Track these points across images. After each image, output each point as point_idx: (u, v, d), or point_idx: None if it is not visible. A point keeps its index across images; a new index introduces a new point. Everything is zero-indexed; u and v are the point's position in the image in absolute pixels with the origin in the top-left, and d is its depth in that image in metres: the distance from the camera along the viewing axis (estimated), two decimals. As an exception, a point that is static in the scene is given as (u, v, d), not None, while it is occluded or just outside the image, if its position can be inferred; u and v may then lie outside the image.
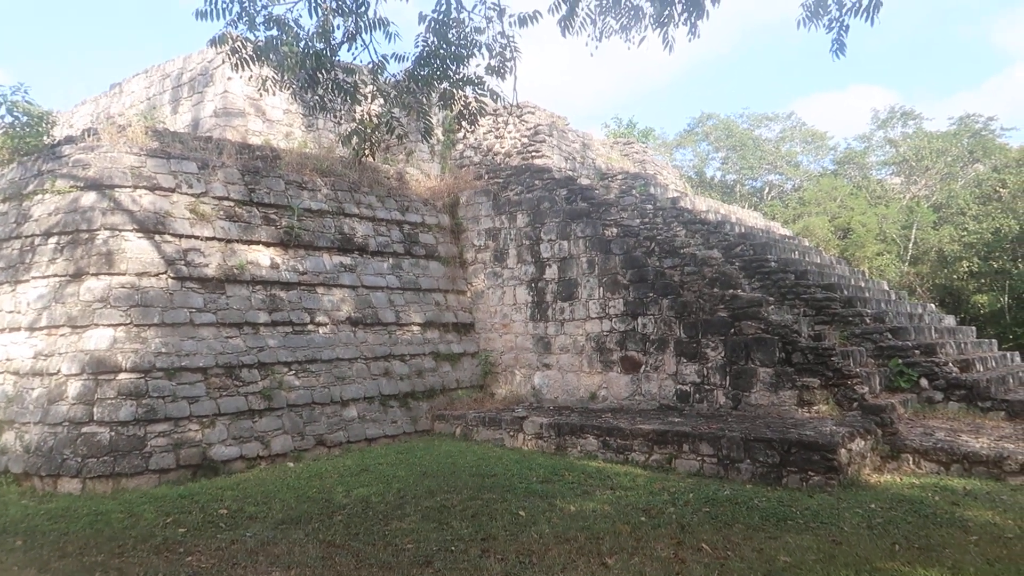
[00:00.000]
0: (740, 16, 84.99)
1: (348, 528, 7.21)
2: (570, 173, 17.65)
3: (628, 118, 47.33)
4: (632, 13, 8.07)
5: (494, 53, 8.68)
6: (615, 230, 13.76)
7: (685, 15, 7.58)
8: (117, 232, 10.55)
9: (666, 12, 7.69)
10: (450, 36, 8.41)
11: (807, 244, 20.82)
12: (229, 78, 15.82)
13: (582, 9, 8.13)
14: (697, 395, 11.80)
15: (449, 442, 12.17)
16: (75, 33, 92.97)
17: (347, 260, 13.38)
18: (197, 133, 15.07)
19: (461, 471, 9.65)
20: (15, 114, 12.52)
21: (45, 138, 12.57)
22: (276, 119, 16.74)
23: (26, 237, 10.97)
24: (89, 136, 11.64)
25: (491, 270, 15.04)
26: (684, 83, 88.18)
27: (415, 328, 13.88)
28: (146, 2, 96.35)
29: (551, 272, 14.04)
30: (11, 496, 8.95)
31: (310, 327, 12.20)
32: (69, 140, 11.80)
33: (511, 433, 11.84)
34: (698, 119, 46.68)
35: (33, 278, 10.57)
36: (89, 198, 10.69)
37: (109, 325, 10.01)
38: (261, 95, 14.71)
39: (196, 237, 11.29)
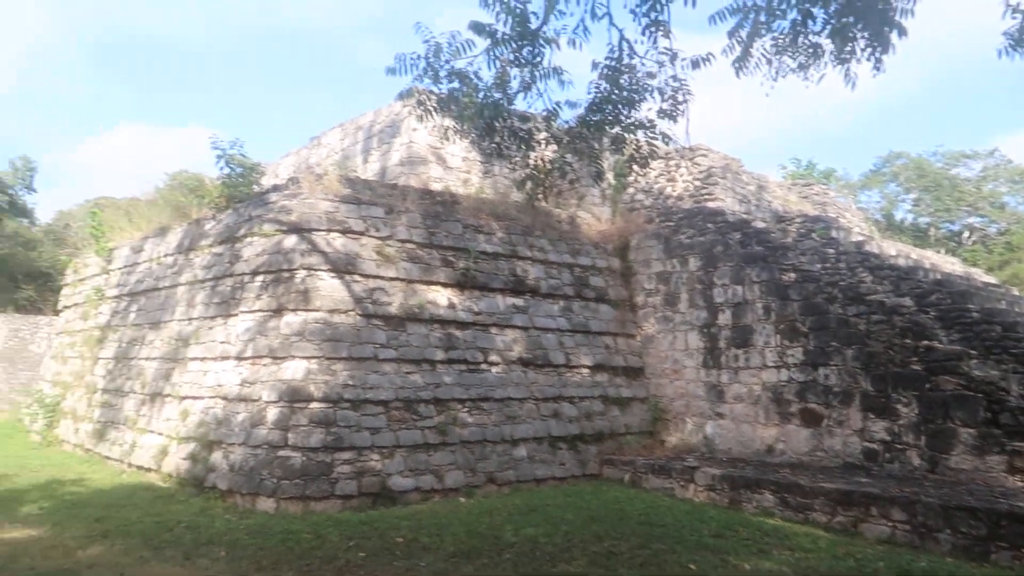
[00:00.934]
0: (931, 49, 79.34)
1: (516, 567, 7.29)
2: (744, 216, 17.14)
3: (807, 159, 45.25)
4: (810, 51, 7.81)
5: (666, 96, 8.71)
6: (793, 275, 13.16)
7: (869, 50, 7.23)
8: (313, 272, 11.49)
9: (847, 48, 7.37)
10: (622, 81, 8.55)
11: (1016, 293, 18.81)
12: (414, 129, 16.90)
13: (756, 49, 7.98)
14: (887, 454, 10.90)
15: (617, 488, 12.01)
16: (282, 90, 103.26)
17: (519, 301, 13.72)
18: (384, 180, 16.19)
19: (629, 518, 9.49)
20: (231, 166, 14.05)
21: (255, 187, 14.00)
22: (455, 166, 17.63)
23: (237, 275, 12.21)
24: (292, 185, 12.84)
25: (661, 314, 14.83)
26: (869, 122, 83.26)
27: (584, 371, 13.92)
28: (340, 62, 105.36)
29: (724, 318, 13.62)
30: (217, 510, 9.85)
31: (483, 366, 12.58)
32: (275, 188, 13.07)
33: (681, 483, 11.50)
34: (885, 158, 43.87)
35: (242, 312, 11.72)
36: (290, 241, 11.75)
37: (304, 357, 10.87)
38: (443, 144, 15.57)
39: (381, 277, 12.06)
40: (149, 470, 12.17)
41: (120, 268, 16.41)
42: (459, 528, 8.81)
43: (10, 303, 37.29)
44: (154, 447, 12.30)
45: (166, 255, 14.68)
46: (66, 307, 19.03)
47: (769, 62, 8.10)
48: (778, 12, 7.41)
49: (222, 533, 8.55)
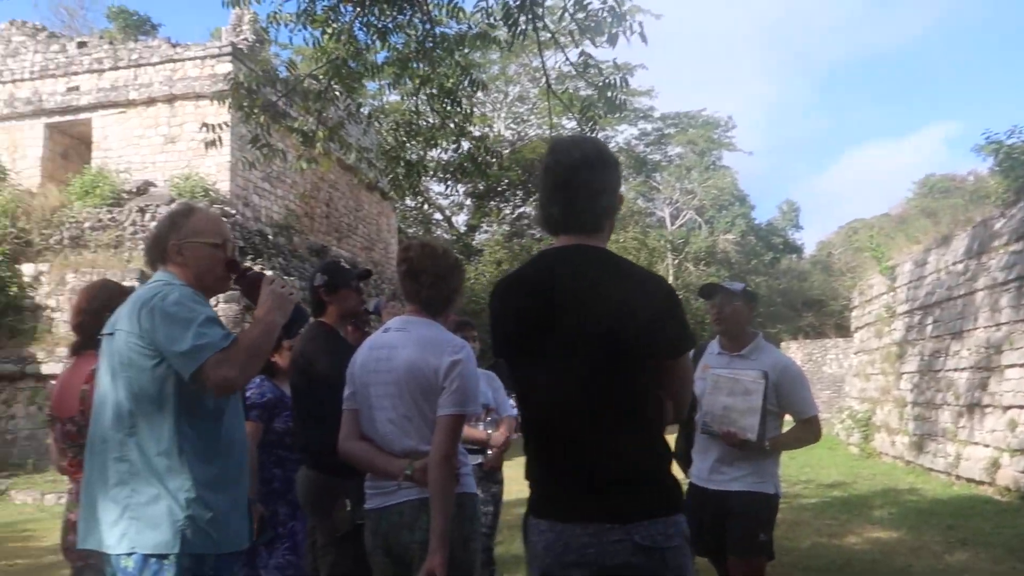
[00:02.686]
0: None
1: None
2: None
3: None
4: None
5: None
6: None
7: None
8: None
9: None
10: None
11: None
12: None
13: None
14: None
15: None
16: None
17: None
18: None
19: None
20: (1012, 157, 12.97)
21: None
22: None
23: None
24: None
25: None
26: None
27: None
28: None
29: None
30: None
31: None
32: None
33: None
34: None
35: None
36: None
37: None
38: None
39: None
40: (980, 482, 11.87)
41: (905, 284, 16.75)
42: None
43: (797, 331, 42.05)
44: (982, 459, 11.95)
45: (954, 263, 14.35)
46: (858, 328, 20.38)
47: None
48: None
49: None
